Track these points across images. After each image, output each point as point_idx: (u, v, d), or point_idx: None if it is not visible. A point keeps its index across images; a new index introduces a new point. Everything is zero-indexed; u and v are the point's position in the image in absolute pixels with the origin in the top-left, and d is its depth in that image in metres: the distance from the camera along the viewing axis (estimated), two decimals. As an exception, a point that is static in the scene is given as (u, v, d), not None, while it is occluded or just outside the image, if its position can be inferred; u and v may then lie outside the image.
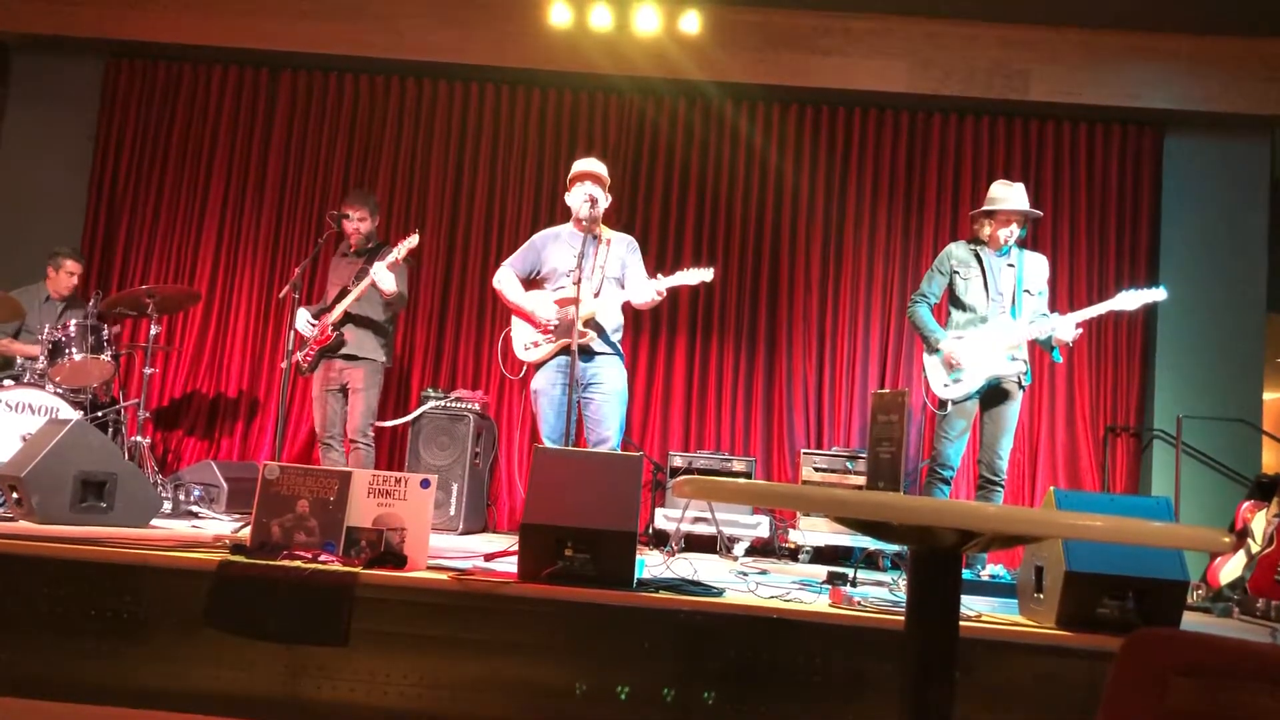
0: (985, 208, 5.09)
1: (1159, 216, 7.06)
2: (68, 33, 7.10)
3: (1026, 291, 5.01)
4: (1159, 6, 6.57)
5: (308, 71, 7.38)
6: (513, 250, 5.45)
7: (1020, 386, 5.00)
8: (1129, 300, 4.90)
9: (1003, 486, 5.00)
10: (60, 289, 6.36)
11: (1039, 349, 5.13)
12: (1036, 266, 5.10)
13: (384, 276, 5.33)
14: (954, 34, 6.92)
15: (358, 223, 5.66)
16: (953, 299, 5.15)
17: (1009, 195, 5.03)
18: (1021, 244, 5.15)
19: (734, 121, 7.23)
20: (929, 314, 5.15)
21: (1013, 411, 4.99)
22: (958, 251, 5.16)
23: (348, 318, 5.55)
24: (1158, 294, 4.93)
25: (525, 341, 4.87)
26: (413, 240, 5.35)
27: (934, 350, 5.07)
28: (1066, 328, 4.85)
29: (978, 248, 5.10)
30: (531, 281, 5.01)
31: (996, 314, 4.98)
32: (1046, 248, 6.86)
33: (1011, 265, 5.05)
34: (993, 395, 4.99)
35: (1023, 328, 4.93)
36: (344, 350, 5.55)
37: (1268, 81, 6.81)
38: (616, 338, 4.90)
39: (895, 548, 5.44)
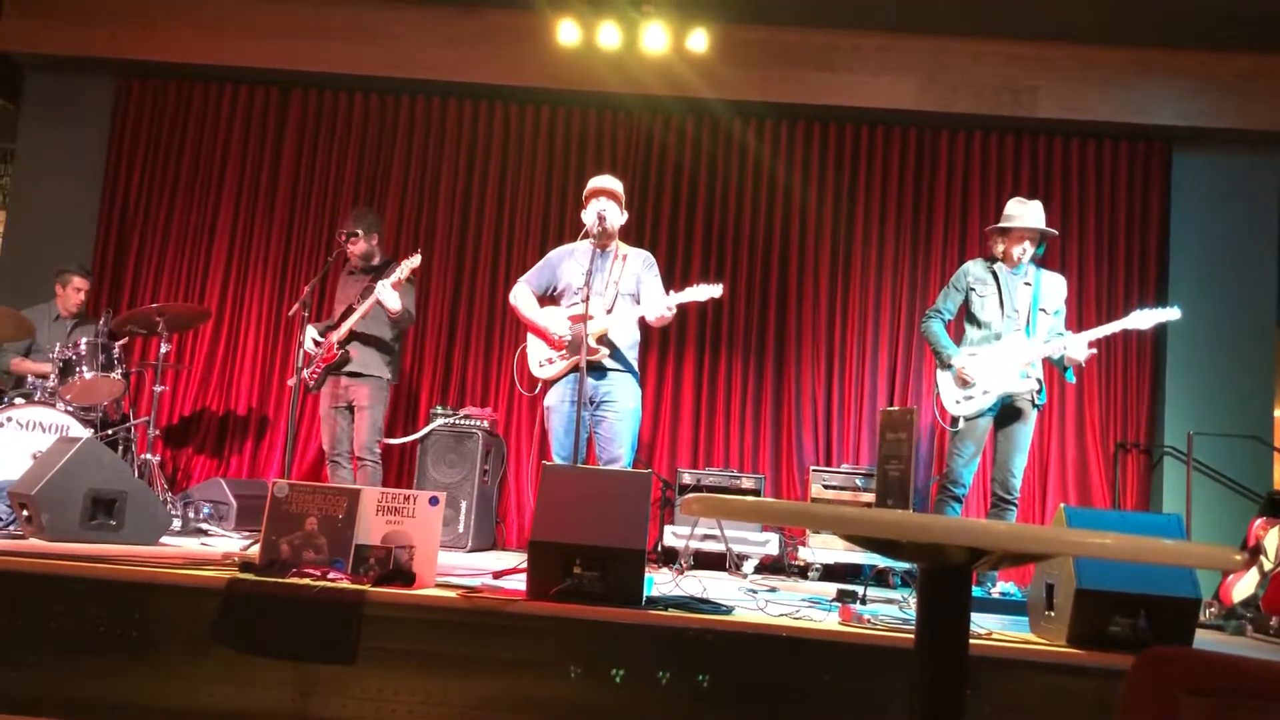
0: (999, 225, 5.09)
1: (1168, 233, 7.05)
2: (80, 53, 7.16)
3: (1042, 310, 4.99)
4: (1167, 23, 6.58)
5: (318, 91, 7.42)
6: (522, 268, 5.48)
7: (1034, 405, 4.97)
8: (1142, 319, 4.86)
9: (1015, 506, 4.97)
10: (68, 306, 6.40)
11: (1054, 369, 5.11)
12: (1054, 286, 5.08)
13: (388, 295, 5.35)
14: (962, 51, 6.94)
15: (351, 246, 5.68)
16: (968, 316, 5.14)
17: (1023, 213, 5.02)
18: (1040, 263, 5.14)
19: (742, 139, 7.26)
20: (942, 330, 5.14)
21: (1026, 430, 4.97)
22: (974, 269, 5.15)
23: (353, 335, 5.57)
24: (1171, 313, 4.89)
25: (540, 358, 4.86)
26: (415, 260, 5.38)
27: (946, 366, 5.05)
28: (1079, 346, 4.81)
29: (994, 265, 5.09)
30: (548, 298, 5.01)
31: (1011, 331, 4.96)
32: (1055, 264, 6.84)
33: (1028, 284, 5.03)
34: (1006, 414, 4.97)
35: (1036, 345, 4.91)
36: (349, 367, 5.58)
37: (1277, 97, 6.80)
38: (632, 355, 4.87)
39: (905, 565, 5.43)
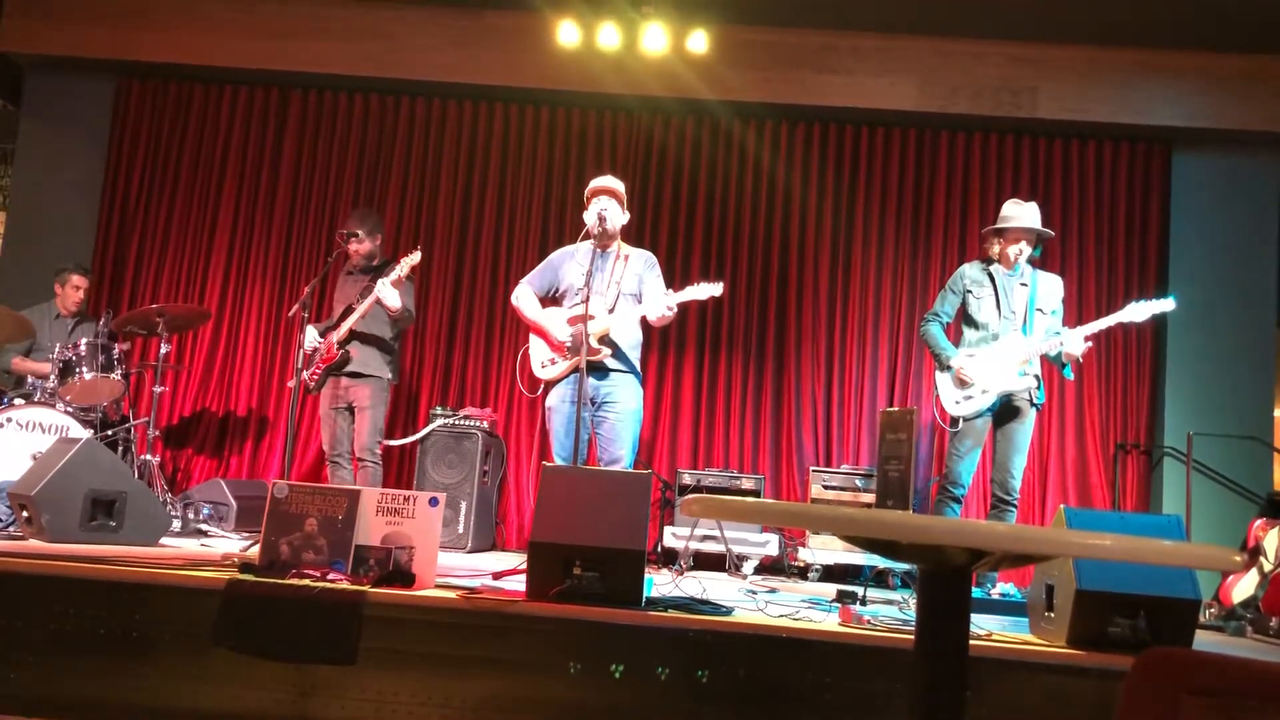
0: (995, 226, 5.10)
1: (1168, 233, 7.05)
2: (80, 54, 7.16)
3: (1039, 310, 5.00)
4: (1167, 23, 6.58)
5: (317, 91, 7.42)
6: (522, 269, 5.48)
7: (1033, 405, 4.97)
8: (1138, 311, 4.86)
9: (1015, 506, 4.98)
10: (68, 305, 6.40)
11: (1051, 366, 5.12)
12: (1050, 286, 5.09)
13: (388, 293, 5.35)
14: (961, 52, 6.94)
15: (356, 245, 5.69)
16: (965, 318, 5.15)
17: (1019, 214, 5.03)
18: (1037, 264, 5.15)
19: (742, 139, 7.26)
20: (941, 332, 5.15)
21: (1025, 430, 4.97)
22: (971, 271, 5.17)
23: (353, 335, 5.57)
24: (1166, 304, 4.90)
25: (542, 359, 4.86)
26: (415, 257, 5.37)
27: (945, 368, 5.06)
28: (1075, 341, 4.82)
29: (990, 267, 5.11)
30: (551, 299, 5.01)
31: (1008, 331, 4.98)
32: (1055, 265, 6.85)
33: (1024, 284, 5.05)
34: (1005, 413, 4.98)
35: (1034, 342, 4.92)
36: (349, 368, 5.57)
37: (1277, 98, 6.80)
38: (634, 355, 4.87)
39: (905, 566, 5.43)
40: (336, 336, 5.56)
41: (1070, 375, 5.12)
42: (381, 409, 5.66)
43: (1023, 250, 5.01)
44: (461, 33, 7.07)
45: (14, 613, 3.27)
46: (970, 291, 5.11)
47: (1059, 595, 3.35)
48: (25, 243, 7.24)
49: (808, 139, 7.30)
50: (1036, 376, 4.98)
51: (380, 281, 5.38)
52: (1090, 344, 4.87)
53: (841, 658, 3.13)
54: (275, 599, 3.22)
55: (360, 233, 5.66)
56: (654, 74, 6.86)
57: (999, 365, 4.92)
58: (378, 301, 5.39)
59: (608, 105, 7.27)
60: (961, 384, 4.97)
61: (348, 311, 5.60)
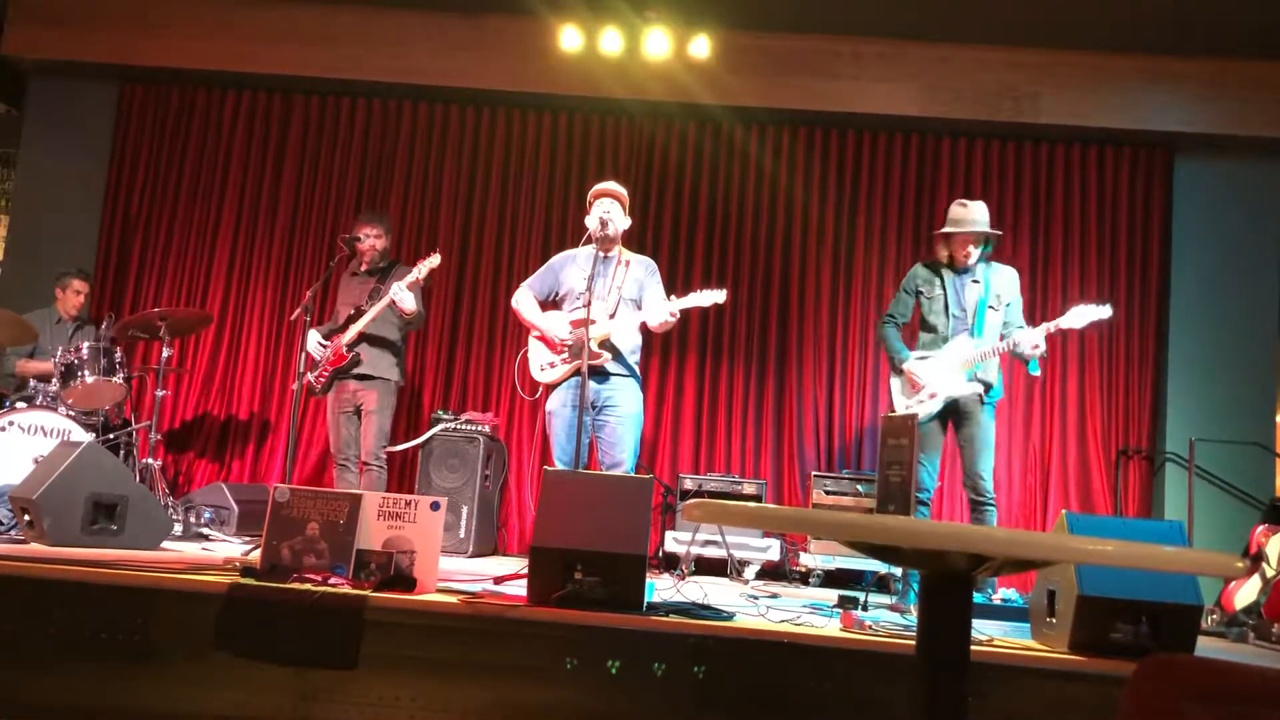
0: (943, 230, 5.03)
1: (1170, 239, 7.04)
2: (83, 58, 7.16)
3: (991, 308, 4.92)
4: (1169, 29, 6.58)
5: (320, 96, 7.43)
6: (524, 273, 5.48)
7: (984, 403, 4.89)
8: (1077, 318, 4.80)
9: (993, 505, 4.87)
10: (69, 309, 6.41)
11: (1017, 363, 5.03)
12: (1003, 280, 5.01)
13: (404, 296, 5.34)
14: (964, 57, 6.94)
15: (373, 240, 5.69)
16: (920, 320, 5.11)
17: (964, 215, 4.94)
18: (991, 259, 5.06)
19: (744, 145, 7.25)
20: (895, 334, 5.11)
21: (984, 429, 4.88)
22: (922, 272, 5.11)
23: (362, 337, 5.56)
24: (1103, 311, 4.80)
25: (541, 362, 4.86)
26: (434, 260, 5.36)
27: (898, 371, 5.04)
28: (1027, 344, 4.77)
29: (941, 268, 5.06)
30: (551, 303, 5.01)
31: (958, 333, 4.92)
32: (1056, 270, 6.87)
33: (976, 281, 4.97)
34: (958, 418, 4.91)
35: (982, 344, 4.85)
36: (358, 370, 5.56)
37: (1278, 104, 6.80)
38: (634, 360, 4.88)
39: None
40: (346, 339, 5.54)
41: (1036, 370, 5.04)
42: (389, 412, 5.64)
43: (972, 253, 4.96)
44: (464, 38, 7.07)
45: (15, 616, 3.27)
46: (921, 292, 5.06)
47: (1061, 601, 3.35)
48: (28, 247, 7.25)
49: (809, 144, 7.29)
50: (985, 380, 4.89)
51: (396, 285, 5.37)
52: (1040, 350, 4.81)
53: (843, 663, 3.13)
54: (277, 603, 3.22)
55: (369, 232, 5.66)
56: (656, 79, 6.86)
57: (946, 369, 4.87)
58: (392, 304, 5.38)
59: (610, 110, 7.28)
60: (912, 388, 4.94)
61: (356, 314, 5.58)
